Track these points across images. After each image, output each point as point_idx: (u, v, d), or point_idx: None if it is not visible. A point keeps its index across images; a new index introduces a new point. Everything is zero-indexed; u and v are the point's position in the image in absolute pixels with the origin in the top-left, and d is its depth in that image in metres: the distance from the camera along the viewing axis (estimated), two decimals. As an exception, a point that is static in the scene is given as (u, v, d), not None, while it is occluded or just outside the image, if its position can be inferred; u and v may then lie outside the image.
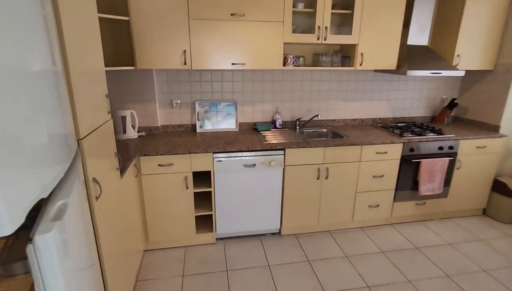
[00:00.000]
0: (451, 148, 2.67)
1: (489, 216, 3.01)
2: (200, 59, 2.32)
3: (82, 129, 1.24)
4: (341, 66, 2.67)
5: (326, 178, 2.53)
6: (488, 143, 2.75)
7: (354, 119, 3.10)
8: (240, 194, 2.44)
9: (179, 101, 2.72)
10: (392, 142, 2.53)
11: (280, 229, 2.66)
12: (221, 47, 2.32)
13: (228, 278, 2.16)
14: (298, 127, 2.87)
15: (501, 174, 3.04)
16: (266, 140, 2.48)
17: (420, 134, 2.69)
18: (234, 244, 2.54)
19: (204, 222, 2.61)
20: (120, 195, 1.74)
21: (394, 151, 2.59)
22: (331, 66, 2.64)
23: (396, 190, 2.71)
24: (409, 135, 2.68)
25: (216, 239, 2.59)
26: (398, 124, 3.10)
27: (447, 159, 2.66)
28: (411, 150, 2.61)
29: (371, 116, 3.14)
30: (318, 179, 2.52)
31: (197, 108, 2.74)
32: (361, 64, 2.57)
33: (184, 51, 2.27)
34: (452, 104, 3.11)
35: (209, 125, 2.78)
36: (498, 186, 2.89)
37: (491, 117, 2.90)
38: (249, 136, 2.60)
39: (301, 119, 2.94)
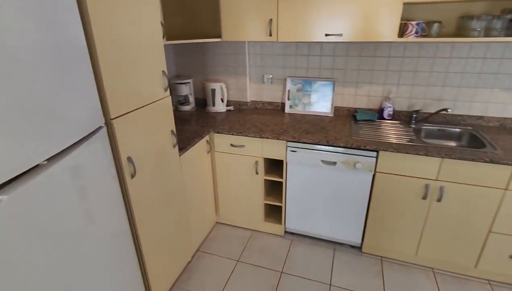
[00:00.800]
0: None
1: None
2: (288, 30, 1.96)
3: (114, 110, 1.24)
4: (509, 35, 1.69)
5: (439, 200, 1.79)
6: None
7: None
8: (315, 192, 2.08)
9: (271, 76, 2.48)
10: None
11: (361, 244, 2.16)
12: (313, 13, 1.87)
13: (279, 281, 1.95)
14: (414, 121, 2.12)
15: None
16: (358, 135, 1.95)
17: None
18: (302, 244, 2.26)
19: (275, 211, 2.42)
20: (178, 170, 1.76)
21: None
22: (489, 35, 1.72)
23: None
24: None
25: (286, 232, 2.38)
26: None
27: None
28: None
29: (558, 119, 1.96)
30: (424, 198, 1.82)
31: (288, 86, 2.43)
32: None
33: (270, 20, 1.97)
34: None
35: (300, 106, 2.44)
36: None
37: None
38: (339, 126, 2.12)
39: (420, 111, 2.15)
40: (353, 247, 2.23)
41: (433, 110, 2.17)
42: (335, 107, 2.39)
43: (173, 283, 1.94)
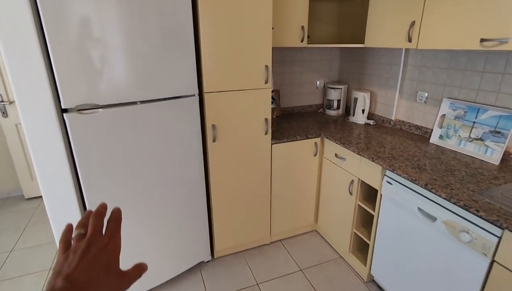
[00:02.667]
0: None
1: None
2: (431, 34, 1.53)
3: (209, 86, 1.68)
4: None
5: None
6: None
7: None
8: (410, 248, 1.56)
9: (426, 94, 1.97)
10: None
11: None
12: (464, 11, 1.34)
13: (318, 314, 1.71)
14: None
15: None
16: (492, 197, 1.23)
17: None
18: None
19: (367, 248, 2.00)
20: (266, 155, 1.98)
21: None
22: None
23: None
24: None
25: (373, 280, 1.93)
26: None
27: None
28: None
29: None
30: None
31: (444, 109, 1.83)
32: None
33: (412, 23, 1.60)
34: None
35: (453, 140, 1.79)
36: None
37: None
38: (482, 180, 1.41)
39: None
40: None
41: None
42: (510, 155, 1.55)
43: (241, 250, 2.22)
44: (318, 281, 1.94)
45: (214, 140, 1.80)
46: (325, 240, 2.33)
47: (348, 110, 2.59)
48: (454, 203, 1.24)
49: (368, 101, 2.28)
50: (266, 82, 1.82)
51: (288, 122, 2.33)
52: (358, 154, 1.77)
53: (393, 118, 2.21)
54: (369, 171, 1.73)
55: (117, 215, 0.41)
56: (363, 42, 2.08)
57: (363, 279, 1.94)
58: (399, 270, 1.64)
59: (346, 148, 1.86)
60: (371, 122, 2.32)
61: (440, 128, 1.87)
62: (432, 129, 1.95)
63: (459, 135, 1.76)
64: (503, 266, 1.12)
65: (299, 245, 2.28)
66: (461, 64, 1.74)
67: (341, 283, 1.92)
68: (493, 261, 1.15)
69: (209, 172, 1.86)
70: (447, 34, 1.46)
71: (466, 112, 1.73)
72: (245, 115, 1.84)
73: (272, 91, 1.97)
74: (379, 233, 1.74)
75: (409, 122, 2.12)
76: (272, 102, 2.03)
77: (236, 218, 2.05)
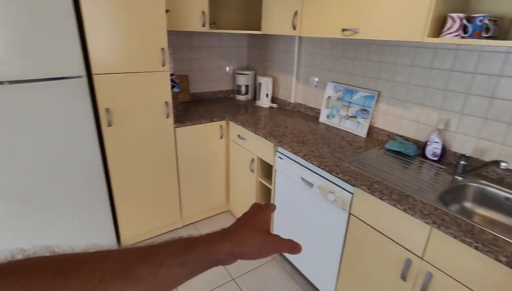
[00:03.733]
0: None
1: None
2: (310, 24, 1.73)
3: (97, 68, 1.61)
4: None
5: (423, 290, 1.13)
6: None
7: None
8: (297, 214, 1.77)
9: (317, 79, 2.21)
10: None
11: (335, 304, 1.65)
12: (330, 5, 1.56)
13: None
14: (462, 171, 1.35)
15: None
16: (357, 163, 1.49)
17: None
18: (277, 269, 1.97)
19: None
20: (170, 139, 1.99)
21: None
22: None
23: None
24: None
25: (275, 248, 2.13)
26: None
27: None
28: None
29: None
30: (403, 279, 1.19)
31: (329, 92, 2.09)
32: None
33: (296, 12, 1.78)
34: None
35: (336, 119, 2.06)
36: None
37: None
38: (349, 150, 1.68)
39: (470, 158, 1.32)
40: (330, 302, 1.74)
41: (493, 161, 1.31)
42: (374, 128, 1.87)
43: (153, 236, 2.21)
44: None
45: (109, 125, 1.73)
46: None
47: (256, 95, 2.75)
48: (323, 169, 1.45)
49: (271, 86, 2.45)
50: (163, 65, 1.82)
51: (196, 107, 2.37)
52: (255, 133, 1.91)
53: (292, 101, 2.43)
54: (265, 149, 1.88)
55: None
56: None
57: (267, 248, 2.13)
58: (292, 232, 1.83)
59: (246, 128, 1.99)
60: (275, 105, 2.51)
61: (327, 109, 2.13)
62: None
63: (340, 114, 2.04)
64: (355, 216, 1.37)
65: (211, 226, 2.37)
66: (339, 52, 2.01)
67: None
68: (350, 214, 1.40)
69: (107, 158, 1.79)
70: (320, 23, 1.67)
71: (344, 94, 2.01)
72: (143, 98, 1.82)
73: (172, 75, 1.97)
74: (277, 205, 1.93)
75: (305, 105, 2.36)
76: (174, 86, 2.02)
77: (143, 204, 2.03)
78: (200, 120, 2.08)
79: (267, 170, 2.08)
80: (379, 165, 1.48)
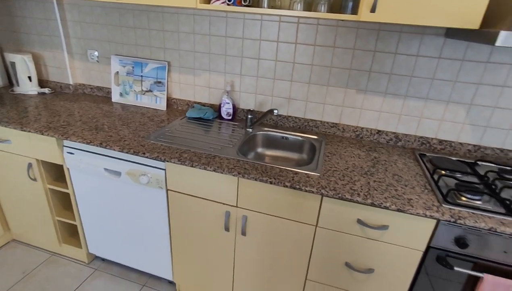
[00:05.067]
0: None
1: None
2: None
3: None
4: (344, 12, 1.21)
5: (243, 234, 1.30)
6: None
7: (380, 132, 1.57)
8: (109, 210, 1.53)
9: (97, 53, 1.90)
10: (403, 209, 1.03)
11: (175, 280, 1.64)
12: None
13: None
14: (250, 124, 1.62)
15: None
16: (162, 138, 1.41)
17: (508, 207, 1.04)
18: (106, 275, 1.71)
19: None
20: None
21: (412, 228, 1.08)
22: (329, 10, 1.25)
23: (403, 308, 1.21)
24: (476, 199, 1.08)
25: (96, 257, 1.82)
26: (481, 163, 1.40)
27: None
28: (460, 241, 1.03)
29: (423, 134, 1.52)
30: (227, 230, 1.32)
31: (115, 67, 1.86)
32: (373, 9, 1.07)
33: (40, -36, 1.38)
34: None
35: (131, 96, 1.88)
36: None
37: None
38: (152, 126, 1.58)
39: (254, 111, 1.64)
40: (171, 282, 1.71)
41: (283, 112, 1.69)
42: (173, 100, 1.85)
43: None
44: (27, 297, 1.55)
45: None
46: (30, 245, 1.87)
47: (12, 79, 2.04)
48: (127, 153, 1.29)
49: (32, 65, 1.87)
50: None
51: None
52: (23, 130, 1.42)
53: (71, 83, 1.98)
54: (45, 147, 1.46)
55: None
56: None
57: (85, 262, 1.78)
58: (110, 234, 1.60)
59: (6, 126, 1.45)
60: (47, 90, 1.96)
61: (118, 86, 1.89)
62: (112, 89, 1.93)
63: (134, 90, 1.86)
64: (174, 191, 1.34)
65: (-11, 270, 1.69)
66: (116, 20, 1.77)
67: (59, 281, 1.64)
68: (167, 190, 1.35)
69: None
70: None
71: (133, 67, 1.83)
72: None
73: None
74: (82, 208, 1.59)
75: (90, 85, 1.99)
76: None
77: None
78: None
79: (58, 172, 1.65)
80: (185, 134, 1.48)
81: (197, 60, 1.72)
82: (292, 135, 1.58)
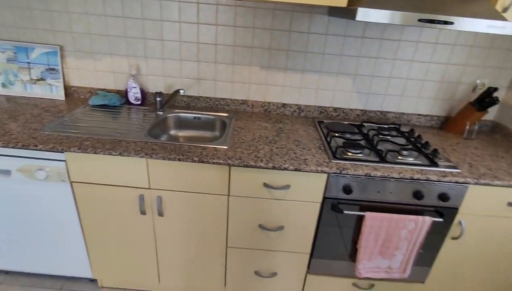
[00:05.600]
0: (444, 197, 1.22)
1: (512, 327, 1.54)
2: None
3: None
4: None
5: (160, 214, 1.30)
6: (542, 199, 1.23)
7: (284, 105, 1.71)
8: (7, 215, 1.36)
9: (-35, 38, 1.61)
10: (300, 168, 1.17)
11: (95, 276, 1.56)
12: None
13: None
14: (160, 107, 1.60)
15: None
16: (60, 128, 1.30)
17: (381, 156, 1.26)
18: (15, 287, 1.53)
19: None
20: None
21: (310, 184, 1.23)
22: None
23: (312, 255, 1.39)
24: (358, 153, 1.28)
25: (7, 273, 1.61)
26: (366, 124, 1.65)
27: (428, 219, 1.23)
28: (347, 189, 1.22)
29: (321, 104, 1.72)
30: (144, 213, 1.31)
31: (-7, 54, 1.61)
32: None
33: None
34: (486, 100, 1.53)
35: (18, 86, 1.65)
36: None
37: None
38: (47, 117, 1.44)
39: (162, 94, 1.63)
40: (92, 280, 1.63)
41: (194, 93, 1.70)
42: (72, 88, 1.69)
43: None
44: None
45: None
46: None
47: None
48: (14, 147, 1.16)
49: None
50: None
51: None
52: None
53: None
54: None
55: None
56: None
57: (-17, 279, 1.56)
58: (11, 242, 1.43)
59: None
60: None
61: None
62: (-7, 80, 1.67)
63: (21, 80, 1.64)
64: (79, 182, 1.26)
65: None
66: (-15, -2, 1.52)
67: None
68: (71, 183, 1.26)
69: None
70: None
71: (15, 53, 1.61)
72: None
73: None
74: (-32, 219, 1.38)
75: (-39, 77, 1.68)
76: None
77: None
78: None
79: None
80: (88, 122, 1.39)
81: (94, 44, 1.60)
82: (204, 115, 1.61)
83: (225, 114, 1.62)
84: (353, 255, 1.37)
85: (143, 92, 1.65)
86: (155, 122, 1.47)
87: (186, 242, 1.37)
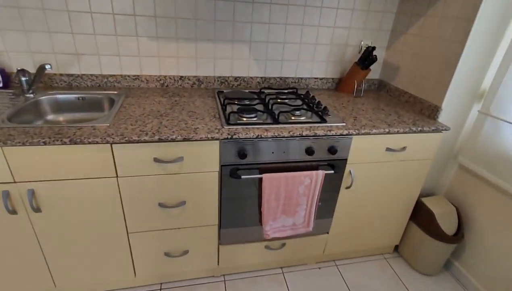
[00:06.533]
0: (332, 150, 1.30)
1: (404, 256, 1.79)
2: None
3: None
4: None
5: (38, 210, 1.13)
6: (412, 141, 1.40)
7: (182, 78, 1.62)
8: None
9: None
10: (189, 137, 1.11)
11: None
12: None
13: None
14: (28, 88, 1.36)
15: (431, 191, 1.76)
16: None
17: (274, 118, 1.28)
18: None
19: None
20: None
21: (203, 153, 1.19)
22: None
23: (220, 226, 1.38)
24: (252, 117, 1.27)
25: None
26: (266, 91, 1.67)
27: (321, 173, 1.30)
28: (241, 153, 1.21)
29: (221, 74, 1.67)
30: (15, 213, 1.11)
31: None
32: None
33: None
34: (368, 59, 1.66)
35: None
36: (421, 216, 1.62)
37: (431, 92, 1.51)
38: None
39: (27, 72, 1.39)
40: (-29, 302, 1.37)
41: (76, 71, 1.49)
42: None
43: None
44: None
45: None
46: None
47: None
48: None
49: None
50: None
51: None
52: None
53: None
54: None
55: None
56: None
57: None
58: None
59: None
60: None
61: None
62: None
63: None
64: None
65: None
66: None
67: None
68: None
69: None
70: None
71: None
72: None
73: None
74: None
75: None
76: None
77: None
78: None
79: None
80: None
81: None
82: (90, 95, 1.43)
83: (115, 92, 1.46)
84: (260, 219, 1.40)
85: (4, 72, 1.38)
86: (22, 106, 1.24)
87: (78, 235, 1.23)
